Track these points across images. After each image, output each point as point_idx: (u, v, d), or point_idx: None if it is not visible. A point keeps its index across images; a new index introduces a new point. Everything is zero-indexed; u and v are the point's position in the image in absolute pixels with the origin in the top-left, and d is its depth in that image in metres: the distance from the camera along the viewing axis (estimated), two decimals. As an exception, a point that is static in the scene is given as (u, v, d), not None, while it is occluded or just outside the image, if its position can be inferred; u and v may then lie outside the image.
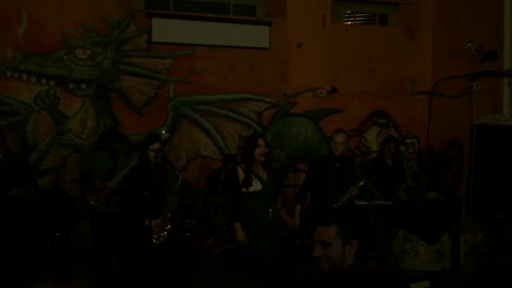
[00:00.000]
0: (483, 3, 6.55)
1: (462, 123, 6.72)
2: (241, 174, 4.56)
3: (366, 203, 5.33)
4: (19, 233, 5.12)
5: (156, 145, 5.02)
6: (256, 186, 4.53)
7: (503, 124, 6.02)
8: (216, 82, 7.02)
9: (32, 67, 6.39)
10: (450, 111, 7.21)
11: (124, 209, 5.21)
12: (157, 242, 4.91)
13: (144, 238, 4.85)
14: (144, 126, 6.73)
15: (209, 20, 6.97)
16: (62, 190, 6.35)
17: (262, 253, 4.49)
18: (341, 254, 2.50)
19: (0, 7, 6.29)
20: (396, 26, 7.93)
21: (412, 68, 7.71)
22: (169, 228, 4.99)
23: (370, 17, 8.13)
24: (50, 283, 2.00)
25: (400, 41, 7.72)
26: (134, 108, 6.75)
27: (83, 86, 6.58)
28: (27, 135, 6.39)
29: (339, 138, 5.37)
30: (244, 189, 4.53)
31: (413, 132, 7.80)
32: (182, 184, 5.17)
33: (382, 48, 7.61)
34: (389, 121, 7.71)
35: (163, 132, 6.03)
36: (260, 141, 4.58)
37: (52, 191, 6.25)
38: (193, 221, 5.89)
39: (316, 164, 5.65)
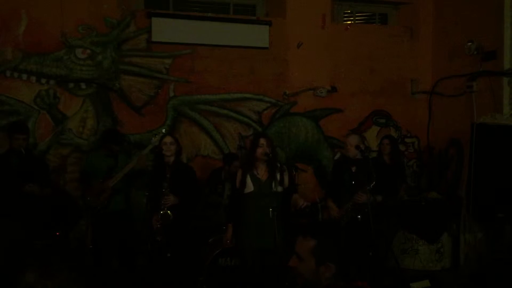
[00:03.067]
0: (483, 2, 6.55)
1: (462, 123, 6.72)
2: (239, 176, 4.60)
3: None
4: (18, 233, 5.14)
5: (168, 138, 5.09)
6: (249, 187, 4.55)
7: (503, 123, 6.02)
8: (216, 82, 7.01)
9: (32, 66, 6.38)
10: (450, 110, 7.21)
11: (148, 208, 5.18)
12: (159, 239, 4.94)
13: (148, 235, 4.90)
14: (144, 126, 6.73)
15: (209, 19, 6.97)
16: (62, 189, 6.35)
17: (261, 253, 4.50)
18: (314, 273, 2.29)
19: (0, 6, 6.28)
20: (396, 25, 7.93)
21: (412, 68, 7.71)
22: (159, 226, 4.96)
23: (370, 16, 8.13)
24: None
25: (400, 40, 7.72)
26: (134, 107, 6.75)
27: (83, 85, 6.57)
28: (27, 135, 6.38)
29: (351, 140, 5.34)
30: (242, 191, 4.56)
31: (413, 131, 7.80)
32: (172, 181, 5.11)
33: (382, 47, 7.61)
34: (389, 121, 7.71)
35: (163, 131, 6.03)
36: (262, 141, 4.58)
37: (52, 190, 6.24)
38: (193, 220, 5.88)
39: (335, 166, 5.70)
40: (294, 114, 7.32)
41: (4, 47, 6.30)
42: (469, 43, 6.49)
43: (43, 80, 6.43)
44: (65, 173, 6.47)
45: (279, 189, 4.62)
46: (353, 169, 5.32)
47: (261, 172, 4.61)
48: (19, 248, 5.11)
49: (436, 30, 7.62)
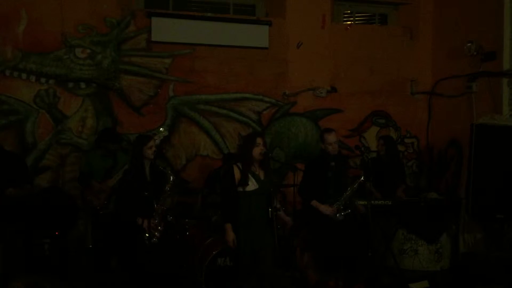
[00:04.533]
0: (483, 3, 6.55)
1: (461, 123, 6.72)
2: (237, 174, 4.53)
3: (366, 203, 5.34)
4: (17, 233, 5.14)
5: (151, 143, 4.98)
6: (253, 185, 4.52)
7: (502, 124, 6.02)
8: (215, 82, 7.01)
9: (31, 66, 6.39)
10: (449, 111, 7.21)
11: (119, 209, 5.16)
12: (150, 241, 4.88)
13: (139, 237, 4.85)
14: (144, 126, 6.73)
15: (208, 19, 6.97)
16: (61, 189, 6.34)
17: (261, 252, 4.50)
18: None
19: (-1, 5, 6.30)
20: (395, 26, 7.93)
21: (412, 68, 7.71)
22: (160, 229, 4.92)
23: (370, 17, 8.13)
24: None
25: (400, 41, 7.72)
26: (134, 107, 6.75)
27: (83, 85, 6.58)
28: (27, 134, 6.38)
29: (332, 137, 5.29)
30: (240, 189, 4.52)
31: (413, 132, 7.80)
32: (173, 184, 5.07)
33: (381, 48, 7.61)
34: (388, 121, 7.71)
35: (161, 129, 6.00)
36: (259, 140, 4.56)
37: (51, 190, 6.24)
38: (192, 220, 5.89)
39: (312, 166, 5.56)
40: (293, 114, 7.32)
41: (3, 46, 6.30)
42: (469, 44, 6.49)
43: (43, 80, 6.44)
44: (64, 172, 6.47)
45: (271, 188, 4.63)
46: (333, 164, 5.31)
47: (258, 170, 4.61)
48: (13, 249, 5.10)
49: (436, 30, 7.62)
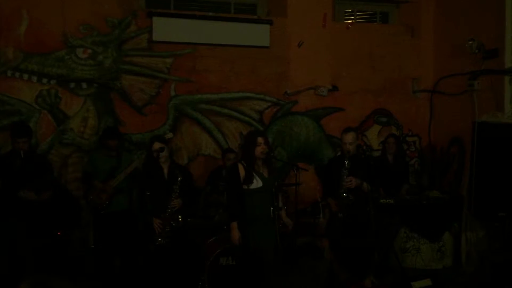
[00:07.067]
0: (484, 0, 6.54)
1: (463, 121, 6.71)
2: (242, 171, 4.54)
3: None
4: (20, 232, 5.16)
5: (156, 145, 5.09)
6: (257, 183, 4.52)
7: (504, 122, 6.01)
8: (217, 81, 7.02)
9: (33, 66, 6.40)
10: (451, 109, 7.20)
11: (138, 209, 5.25)
12: (161, 240, 4.97)
13: (149, 237, 4.92)
14: (146, 125, 6.74)
15: (210, 19, 6.97)
16: (64, 189, 6.35)
17: (264, 250, 4.50)
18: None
19: (1, 6, 6.29)
20: (397, 24, 7.92)
21: (413, 66, 7.70)
22: (171, 224, 5.02)
23: (371, 15, 8.12)
24: None
25: (401, 39, 7.71)
26: (136, 107, 6.75)
27: (84, 85, 6.58)
28: (29, 135, 6.39)
29: (348, 137, 5.26)
30: (245, 187, 4.52)
31: (415, 130, 7.79)
32: (181, 184, 5.15)
33: (383, 46, 7.60)
34: (390, 120, 7.70)
35: (167, 132, 6.07)
36: (260, 139, 4.56)
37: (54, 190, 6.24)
38: (195, 219, 5.89)
39: (330, 165, 5.64)
40: (295, 113, 7.31)
41: (5, 47, 6.31)
42: (471, 42, 6.48)
43: (45, 80, 6.44)
44: (67, 173, 6.48)
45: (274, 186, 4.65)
46: (346, 163, 5.25)
47: (262, 169, 4.61)
48: (20, 248, 5.13)
49: (437, 28, 7.61)
